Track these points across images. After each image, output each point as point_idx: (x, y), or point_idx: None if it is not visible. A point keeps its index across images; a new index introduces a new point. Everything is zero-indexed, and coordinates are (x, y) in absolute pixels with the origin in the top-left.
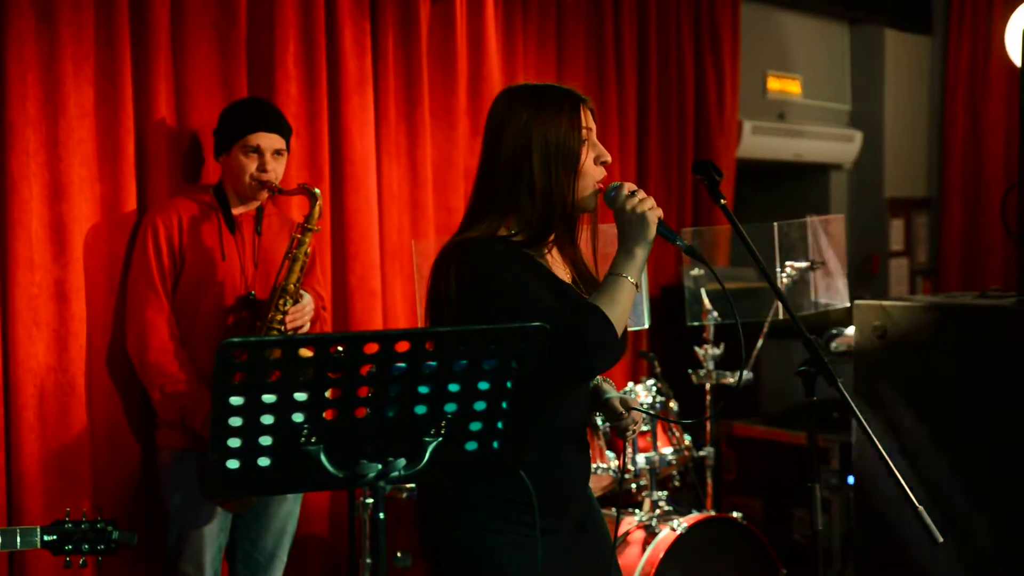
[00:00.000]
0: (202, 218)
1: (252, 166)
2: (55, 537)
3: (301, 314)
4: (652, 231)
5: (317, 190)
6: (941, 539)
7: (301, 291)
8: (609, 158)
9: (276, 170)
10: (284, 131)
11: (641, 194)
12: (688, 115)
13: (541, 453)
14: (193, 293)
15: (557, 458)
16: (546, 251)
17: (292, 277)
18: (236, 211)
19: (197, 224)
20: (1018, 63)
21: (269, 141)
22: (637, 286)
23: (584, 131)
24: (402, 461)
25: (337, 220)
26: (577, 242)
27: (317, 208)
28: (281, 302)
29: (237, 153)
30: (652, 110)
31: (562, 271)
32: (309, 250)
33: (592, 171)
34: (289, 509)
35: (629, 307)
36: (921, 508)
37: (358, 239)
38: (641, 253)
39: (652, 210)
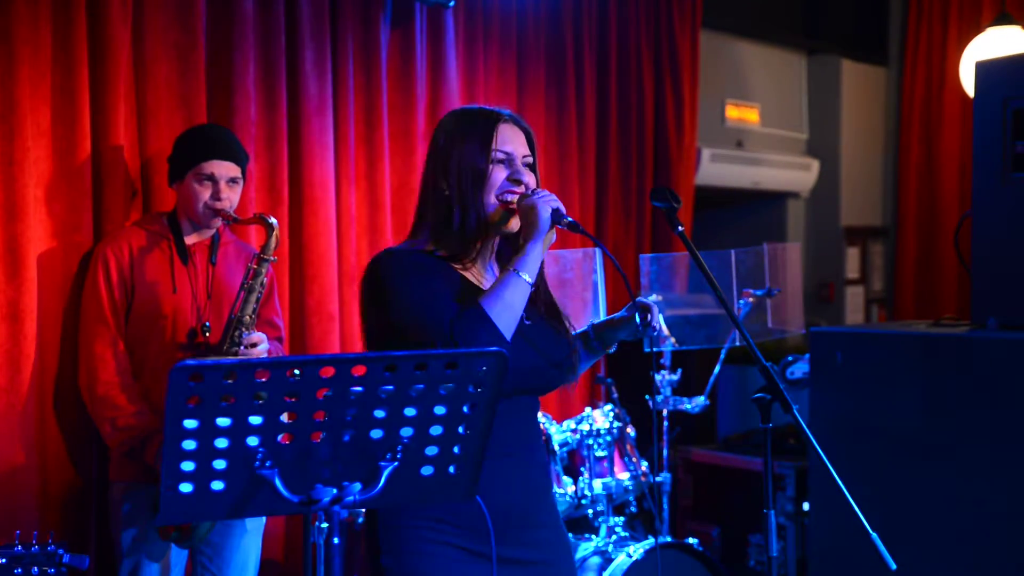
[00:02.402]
0: (153, 249)
1: (206, 194)
2: (3, 561)
3: (254, 355)
4: (542, 219)
5: (273, 220)
6: (895, 567)
7: (256, 332)
8: (524, 179)
9: (231, 198)
10: (239, 159)
11: (542, 191)
12: (647, 142)
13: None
14: (144, 326)
15: (496, 470)
16: (470, 265)
17: (248, 308)
18: (189, 240)
19: (148, 255)
20: (971, 94)
21: (224, 169)
22: (529, 281)
23: (496, 152)
24: (358, 486)
25: (295, 243)
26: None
27: (274, 238)
28: (236, 334)
29: (191, 181)
30: (611, 136)
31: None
32: (265, 280)
33: (500, 188)
34: (250, 542)
35: (518, 301)
36: (875, 535)
37: (316, 262)
38: (532, 247)
39: (546, 200)
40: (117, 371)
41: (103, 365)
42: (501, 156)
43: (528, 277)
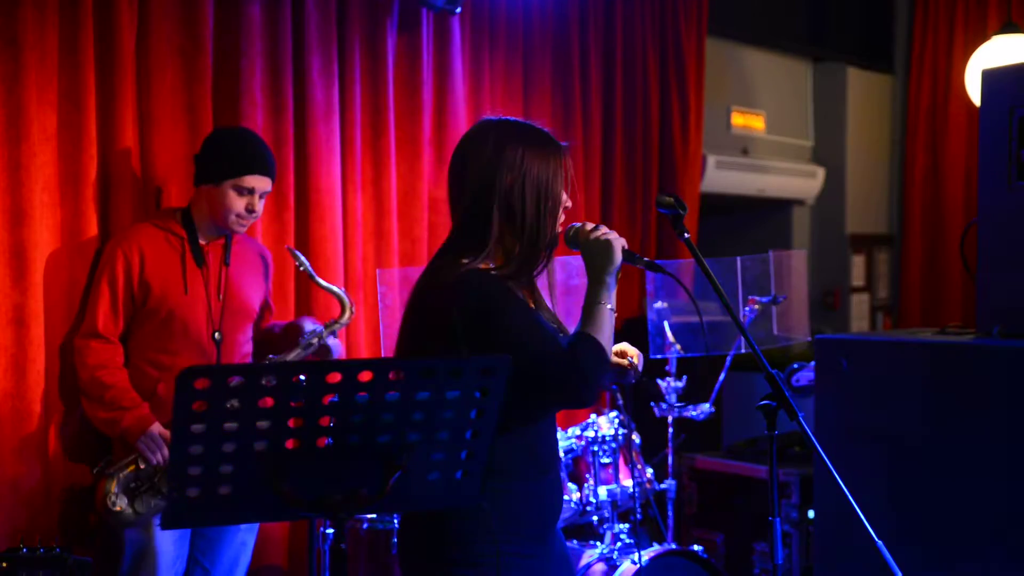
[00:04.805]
0: (166, 249)
1: (241, 205)
2: (8, 564)
3: None
4: (618, 255)
5: (350, 301)
6: (901, 575)
7: None
8: (570, 204)
9: (259, 210)
10: (275, 173)
11: (603, 228)
12: (653, 149)
13: (533, 479)
14: (155, 327)
15: (547, 484)
16: (520, 285)
17: (290, 357)
18: (202, 240)
19: (160, 255)
20: (977, 103)
21: (263, 184)
22: (614, 311)
23: (564, 178)
24: (364, 491)
25: (301, 249)
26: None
27: (347, 317)
28: None
29: (228, 189)
30: (617, 143)
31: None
32: (318, 345)
33: (560, 215)
34: (243, 539)
35: (612, 333)
36: (880, 543)
37: (322, 267)
38: (610, 280)
39: (617, 239)
40: (103, 358)
41: (89, 352)
42: (564, 182)
43: (615, 309)
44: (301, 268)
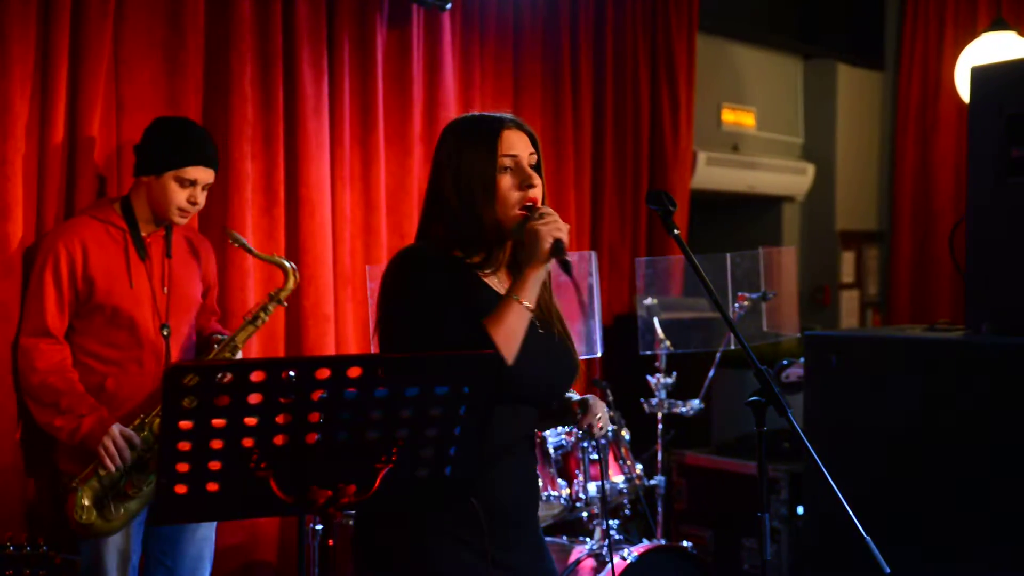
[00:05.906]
0: (108, 242)
1: (183, 198)
2: None
3: None
4: (543, 249)
5: (292, 265)
6: (889, 570)
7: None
8: (535, 183)
9: (202, 202)
10: (217, 164)
11: (549, 217)
12: (643, 145)
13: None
14: (101, 322)
15: (495, 476)
16: (495, 273)
17: (242, 335)
18: (145, 231)
19: (102, 249)
20: (967, 99)
21: (206, 175)
22: (530, 307)
23: (503, 158)
24: (353, 487)
25: (291, 244)
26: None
27: (291, 283)
28: (227, 355)
29: (169, 181)
30: (607, 139)
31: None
32: (266, 317)
33: (512, 196)
34: (203, 534)
35: (520, 328)
36: (868, 539)
37: (312, 263)
38: (532, 273)
39: (549, 229)
40: (53, 361)
41: (38, 355)
42: (508, 162)
43: (529, 304)
44: (236, 244)
